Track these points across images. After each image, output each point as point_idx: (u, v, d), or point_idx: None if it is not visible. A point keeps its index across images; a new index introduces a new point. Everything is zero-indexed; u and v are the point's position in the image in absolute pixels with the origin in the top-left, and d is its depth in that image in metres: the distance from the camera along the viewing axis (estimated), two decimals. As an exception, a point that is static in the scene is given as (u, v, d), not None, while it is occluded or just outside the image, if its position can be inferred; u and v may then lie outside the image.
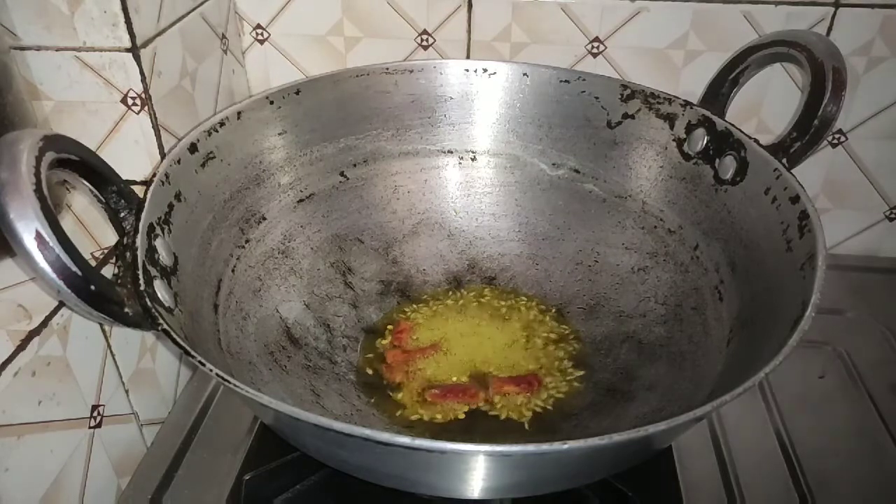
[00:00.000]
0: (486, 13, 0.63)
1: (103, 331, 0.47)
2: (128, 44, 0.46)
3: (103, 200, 0.40)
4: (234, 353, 0.45)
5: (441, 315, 0.56)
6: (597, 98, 0.56)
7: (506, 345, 0.54)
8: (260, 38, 0.66)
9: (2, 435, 0.38)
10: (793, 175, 0.45)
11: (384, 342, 0.54)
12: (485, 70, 0.58)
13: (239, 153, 0.51)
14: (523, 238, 0.60)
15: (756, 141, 0.48)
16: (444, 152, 0.60)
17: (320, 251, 0.56)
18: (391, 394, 0.51)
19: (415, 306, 0.57)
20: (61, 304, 0.42)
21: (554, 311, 0.57)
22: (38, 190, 0.32)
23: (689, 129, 0.53)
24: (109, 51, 0.46)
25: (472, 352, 0.53)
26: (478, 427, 0.49)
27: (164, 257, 0.41)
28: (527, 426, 0.48)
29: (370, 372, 0.52)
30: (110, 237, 0.48)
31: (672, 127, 0.54)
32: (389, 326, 0.56)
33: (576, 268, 0.58)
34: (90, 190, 0.40)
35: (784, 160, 0.47)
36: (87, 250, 0.47)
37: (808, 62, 0.48)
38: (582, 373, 0.52)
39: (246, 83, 0.68)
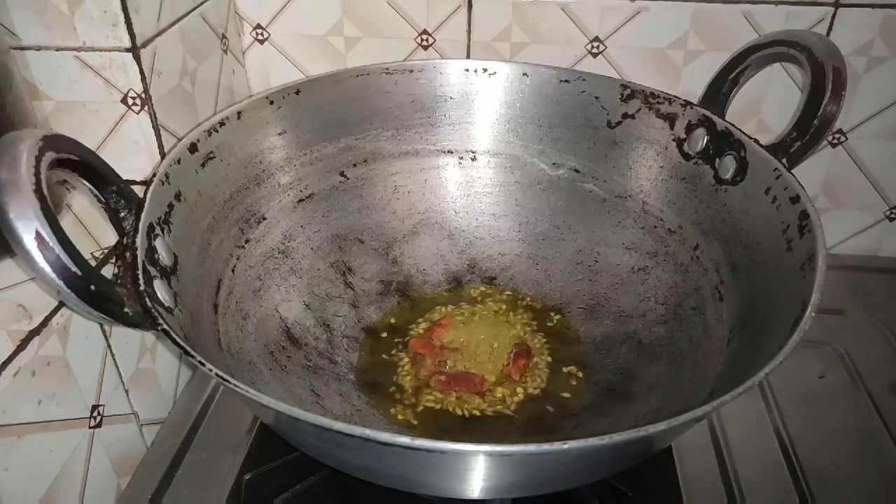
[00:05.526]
0: (486, 13, 0.63)
1: (103, 331, 0.47)
2: (128, 44, 0.46)
3: (103, 200, 0.40)
4: (234, 353, 0.45)
5: (466, 316, 0.57)
6: (597, 98, 0.56)
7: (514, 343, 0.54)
8: (260, 38, 0.66)
9: (2, 435, 0.38)
10: (793, 175, 0.45)
11: (419, 330, 0.55)
12: (485, 70, 0.58)
13: (239, 153, 0.51)
14: (523, 238, 0.60)
15: (756, 141, 0.48)
16: (444, 152, 0.60)
17: (320, 251, 0.56)
18: (394, 383, 0.51)
19: (449, 307, 0.57)
20: (61, 304, 0.42)
21: (554, 311, 0.57)
22: (38, 190, 0.32)
23: (689, 128, 0.53)
24: (109, 51, 0.46)
25: (482, 350, 0.53)
26: (477, 427, 0.49)
27: (164, 257, 0.41)
28: (512, 414, 0.48)
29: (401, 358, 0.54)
30: (110, 237, 0.48)
31: (672, 127, 0.54)
32: (419, 321, 0.56)
33: (576, 268, 0.58)
34: (90, 190, 0.39)
35: (784, 160, 0.47)
36: (87, 250, 0.47)
37: (808, 62, 0.48)
38: (581, 373, 0.52)
39: (246, 83, 0.68)
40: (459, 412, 0.49)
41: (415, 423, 0.49)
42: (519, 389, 0.51)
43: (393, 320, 0.56)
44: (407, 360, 0.53)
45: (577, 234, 0.58)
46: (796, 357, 0.34)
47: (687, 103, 0.53)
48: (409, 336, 0.55)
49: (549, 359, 0.53)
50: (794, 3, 0.59)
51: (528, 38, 0.63)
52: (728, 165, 0.49)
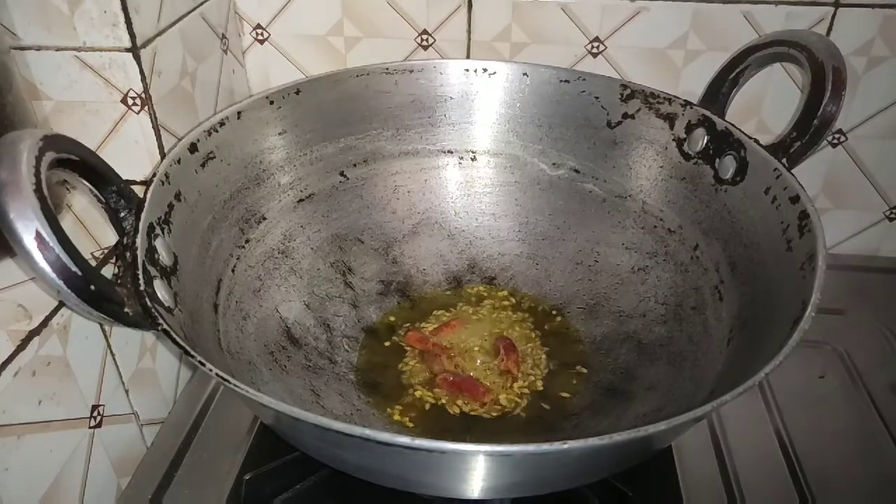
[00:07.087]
0: (486, 13, 0.63)
1: (103, 331, 0.47)
2: (128, 44, 0.46)
3: (103, 200, 0.40)
4: (234, 353, 0.45)
5: (473, 316, 0.57)
6: (597, 98, 0.56)
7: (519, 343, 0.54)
8: (260, 38, 0.66)
9: (2, 435, 0.38)
10: (793, 175, 0.45)
11: (427, 327, 0.55)
12: (485, 70, 0.58)
13: (239, 153, 0.51)
14: (523, 238, 0.60)
15: (756, 141, 0.48)
16: (444, 152, 0.60)
17: (320, 251, 0.56)
18: (394, 383, 0.51)
19: (450, 310, 0.57)
20: (61, 304, 0.42)
21: (554, 311, 0.57)
22: (38, 190, 0.32)
23: (689, 128, 0.53)
24: (109, 51, 0.46)
25: (481, 350, 0.53)
26: (477, 426, 0.49)
27: (164, 257, 0.41)
28: (512, 413, 0.48)
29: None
30: (110, 237, 0.48)
31: (672, 127, 0.54)
32: (434, 314, 0.57)
33: (576, 268, 0.58)
34: (90, 190, 0.39)
35: (784, 160, 0.47)
36: (87, 250, 0.47)
37: (808, 62, 0.48)
38: (584, 372, 0.52)
39: (246, 83, 0.68)
40: (459, 411, 0.49)
41: (411, 425, 0.49)
42: (519, 389, 0.51)
43: (393, 320, 0.56)
44: (408, 360, 0.53)
45: (577, 233, 0.58)
46: (796, 357, 0.34)
47: (687, 103, 0.53)
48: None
49: (549, 358, 0.53)
50: (794, 3, 0.59)
51: (528, 38, 0.63)
52: (728, 165, 0.49)
